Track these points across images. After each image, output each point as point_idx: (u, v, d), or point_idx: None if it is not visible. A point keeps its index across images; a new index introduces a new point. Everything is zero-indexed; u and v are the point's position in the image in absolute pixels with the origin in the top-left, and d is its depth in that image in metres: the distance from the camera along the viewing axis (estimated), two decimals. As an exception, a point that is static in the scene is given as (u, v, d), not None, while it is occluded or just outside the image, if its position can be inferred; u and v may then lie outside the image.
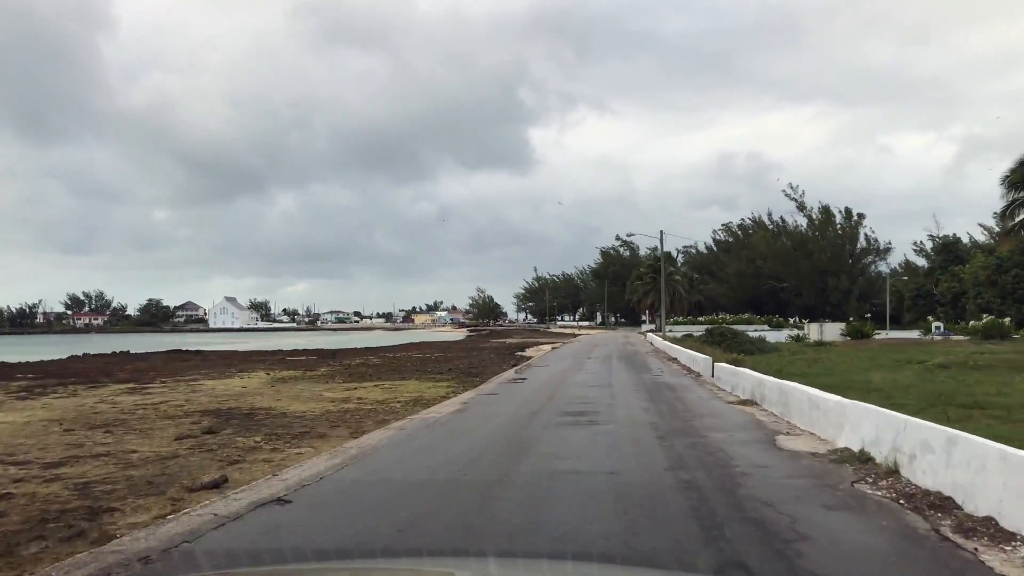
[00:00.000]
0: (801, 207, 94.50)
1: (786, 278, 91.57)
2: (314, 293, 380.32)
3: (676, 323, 74.38)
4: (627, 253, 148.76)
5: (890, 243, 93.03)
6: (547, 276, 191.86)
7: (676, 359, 33.40)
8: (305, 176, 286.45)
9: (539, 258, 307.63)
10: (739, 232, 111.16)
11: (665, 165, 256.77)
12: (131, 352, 63.69)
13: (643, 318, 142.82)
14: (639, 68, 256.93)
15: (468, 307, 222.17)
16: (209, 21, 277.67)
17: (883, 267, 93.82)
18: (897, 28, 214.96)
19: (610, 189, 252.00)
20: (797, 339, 48.40)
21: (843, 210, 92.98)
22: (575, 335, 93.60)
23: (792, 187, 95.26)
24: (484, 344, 77.60)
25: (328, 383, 24.54)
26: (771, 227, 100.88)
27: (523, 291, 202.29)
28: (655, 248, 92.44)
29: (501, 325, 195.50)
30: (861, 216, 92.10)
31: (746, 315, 74.04)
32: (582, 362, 33.99)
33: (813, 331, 54.20)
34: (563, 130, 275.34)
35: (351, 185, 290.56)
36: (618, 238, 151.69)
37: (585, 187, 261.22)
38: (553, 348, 50.74)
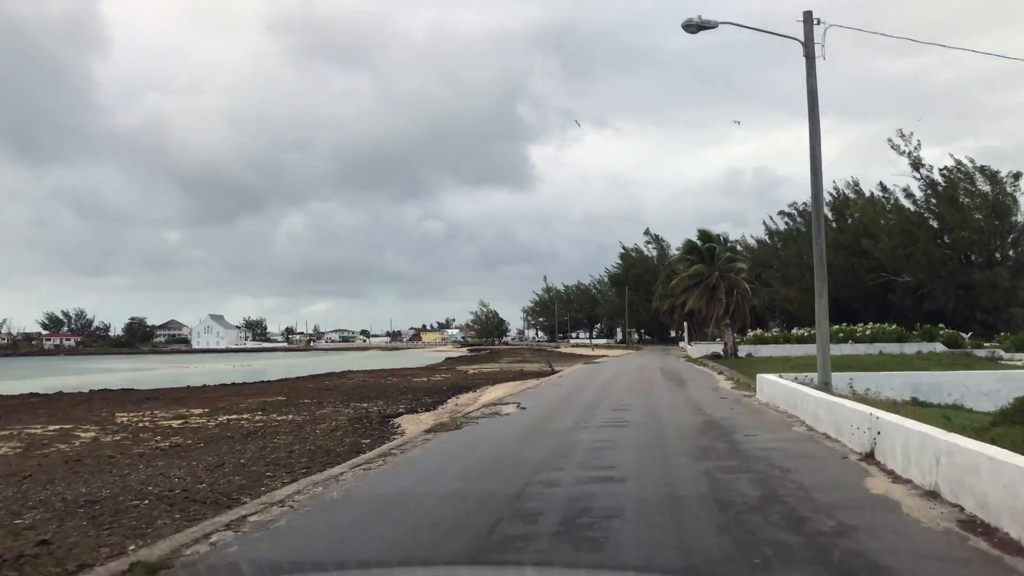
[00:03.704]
0: (917, 164, 59.74)
1: (907, 270, 56.78)
2: (334, 313, 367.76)
3: (751, 341, 40.75)
4: (654, 252, 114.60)
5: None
6: (559, 288, 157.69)
7: None
8: (308, 195, 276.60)
9: (550, 275, 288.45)
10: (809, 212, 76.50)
11: (673, 182, 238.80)
12: None
13: (674, 333, 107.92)
14: (642, 85, 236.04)
15: (469, 324, 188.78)
16: (202, 42, 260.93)
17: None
18: (891, 41, 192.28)
19: (617, 206, 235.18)
20: None
21: (982, 167, 58.05)
22: (582, 358, 60.03)
23: (903, 135, 60.27)
24: (426, 377, 44.46)
25: None
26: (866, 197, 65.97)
27: (532, 304, 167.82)
28: (686, 242, 57.43)
29: (507, 344, 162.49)
30: (1018, 176, 57.07)
31: (867, 326, 39.82)
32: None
33: None
34: (563, 147, 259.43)
35: (355, 204, 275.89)
36: (647, 232, 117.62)
37: (591, 204, 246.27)
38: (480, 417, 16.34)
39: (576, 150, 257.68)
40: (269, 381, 45.14)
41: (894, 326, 40.31)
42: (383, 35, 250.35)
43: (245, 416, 24.20)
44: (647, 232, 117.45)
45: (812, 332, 43.31)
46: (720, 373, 30.69)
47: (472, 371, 51.87)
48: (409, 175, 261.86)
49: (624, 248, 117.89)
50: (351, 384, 38.74)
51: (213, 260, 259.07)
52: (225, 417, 24.15)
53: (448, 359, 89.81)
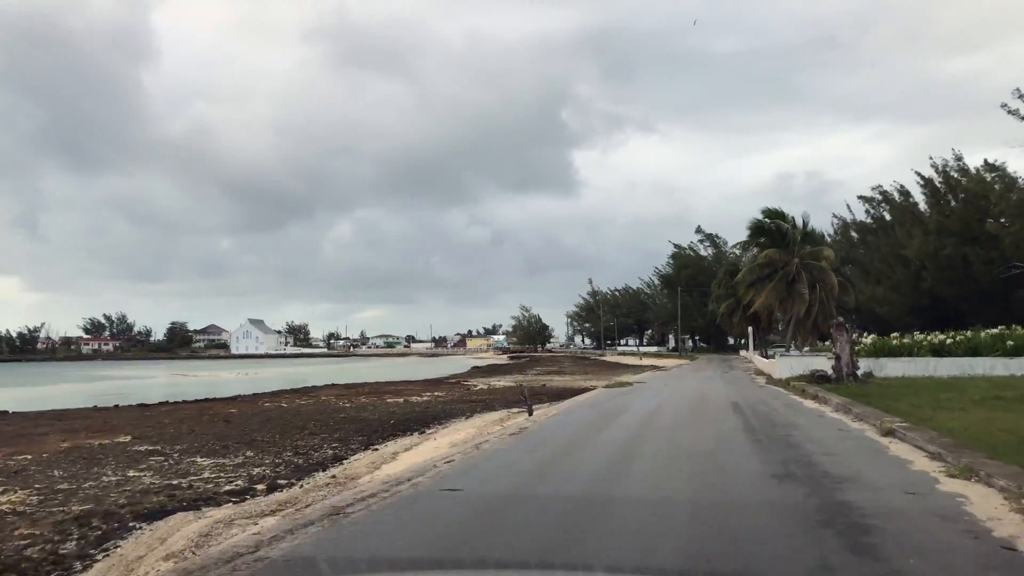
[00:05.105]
0: (1047, 130, 46.46)
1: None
2: (384, 318, 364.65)
3: (870, 352, 27.99)
4: (709, 251, 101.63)
5: None
6: (606, 291, 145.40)
7: None
8: (354, 202, 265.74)
9: (597, 281, 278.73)
10: (899, 198, 62.76)
11: (721, 187, 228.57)
12: None
13: (732, 340, 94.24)
14: (688, 89, 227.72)
15: (511, 329, 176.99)
16: (246, 51, 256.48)
17: None
18: (938, 39, 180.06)
19: (664, 211, 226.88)
20: None
21: None
22: (621, 370, 47.68)
23: (1022, 95, 46.70)
24: (404, 399, 33.06)
25: None
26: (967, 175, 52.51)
27: (577, 309, 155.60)
28: (752, 222, 44.71)
29: (549, 351, 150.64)
30: None
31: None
32: None
33: None
34: (608, 152, 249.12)
35: (400, 210, 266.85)
36: (699, 231, 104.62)
37: (638, 209, 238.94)
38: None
39: (621, 155, 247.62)
40: (202, 400, 34.42)
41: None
42: (420, 41, 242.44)
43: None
44: (699, 230, 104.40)
45: (958, 337, 30.74)
46: (889, 434, 12.96)
47: (479, 387, 40.74)
48: (452, 181, 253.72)
49: (676, 246, 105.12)
50: (283, 409, 27.58)
51: (264, 266, 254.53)
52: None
53: (474, 368, 78.45)
